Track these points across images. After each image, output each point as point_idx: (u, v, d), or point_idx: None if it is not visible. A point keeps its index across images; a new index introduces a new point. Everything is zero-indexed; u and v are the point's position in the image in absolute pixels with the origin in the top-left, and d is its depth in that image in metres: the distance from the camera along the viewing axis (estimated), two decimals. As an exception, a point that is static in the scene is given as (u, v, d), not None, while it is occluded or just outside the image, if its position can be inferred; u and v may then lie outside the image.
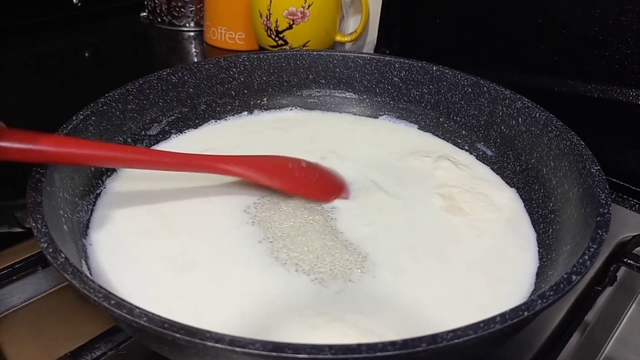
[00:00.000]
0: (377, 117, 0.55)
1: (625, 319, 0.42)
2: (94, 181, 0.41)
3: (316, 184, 0.43)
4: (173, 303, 0.32)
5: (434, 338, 0.22)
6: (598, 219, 0.30)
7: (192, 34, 0.90)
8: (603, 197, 0.32)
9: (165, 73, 0.48)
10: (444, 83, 0.50)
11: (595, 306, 0.40)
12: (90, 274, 0.34)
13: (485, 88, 0.47)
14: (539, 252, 0.38)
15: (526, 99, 0.44)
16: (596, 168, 0.35)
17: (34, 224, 0.29)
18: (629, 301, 0.43)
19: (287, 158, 0.44)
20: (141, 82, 0.46)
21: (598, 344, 0.40)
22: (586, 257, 0.27)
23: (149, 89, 0.47)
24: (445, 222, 0.41)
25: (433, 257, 0.37)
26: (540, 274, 0.36)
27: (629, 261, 0.40)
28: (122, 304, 0.23)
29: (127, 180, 0.43)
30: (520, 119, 0.44)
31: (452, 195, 0.43)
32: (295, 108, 0.55)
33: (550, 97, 0.55)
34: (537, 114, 0.42)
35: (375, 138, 0.52)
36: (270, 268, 0.35)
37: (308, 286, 0.34)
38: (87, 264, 0.34)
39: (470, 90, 0.48)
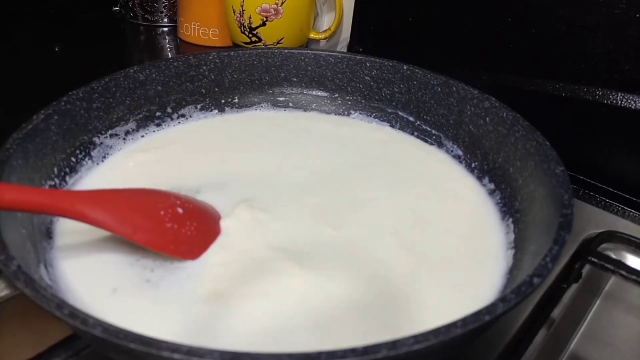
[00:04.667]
0: (349, 116, 0.54)
1: (590, 315, 0.42)
2: (56, 181, 0.40)
3: (190, 237, 0.35)
4: (136, 308, 0.32)
5: (394, 344, 0.22)
6: (561, 219, 0.30)
7: (165, 29, 0.88)
8: (566, 197, 0.32)
9: (132, 71, 0.47)
10: (414, 82, 0.50)
11: (561, 303, 0.41)
12: (50, 278, 0.33)
13: (454, 88, 0.47)
14: (505, 251, 0.38)
15: (494, 99, 0.44)
16: (560, 169, 0.35)
17: (-15, 230, 0.28)
18: (594, 297, 0.44)
19: (159, 196, 0.36)
20: (107, 79, 0.45)
21: (564, 339, 0.40)
22: (548, 258, 0.27)
23: (115, 86, 0.46)
24: (412, 219, 0.41)
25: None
26: (507, 273, 0.36)
27: (592, 259, 0.41)
28: (75, 313, 0.23)
29: (93, 180, 0.42)
30: (487, 118, 0.44)
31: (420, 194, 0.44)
32: (267, 106, 0.55)
33: (519, 96, 0.56)
34: (504, 113, 0.43)
35: (344, 136, 0.51)
36: None
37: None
38: (46, 268, 0.33)
39: (439, 89, 0.48)
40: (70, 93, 0.42)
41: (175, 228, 0.34)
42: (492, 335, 0.37)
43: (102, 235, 0.36)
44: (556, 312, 0.40)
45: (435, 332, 0.23)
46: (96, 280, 0.34)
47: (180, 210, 0.35)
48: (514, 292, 0.25)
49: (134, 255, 0.35)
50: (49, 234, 0.37)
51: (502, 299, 0.25)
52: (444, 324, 0.23)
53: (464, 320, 0.23)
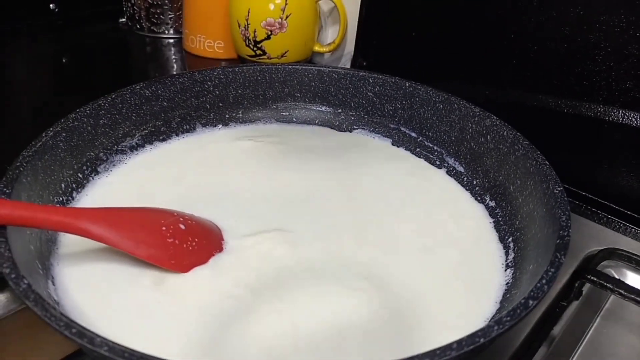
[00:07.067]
0: (352, 131, 0.55)
1: (590, 333, 0.43)
2: (63, 197, 0.41)
3: (192, 253, 0.36)
4: (140, 324, 0.32)
5: (391, 366, 0.23)
6: (558, 241, 0.31)
7: (171, 40, 0.89)
8: (564, 219, 0.33)
9: (138, 87, 0.48)
10: (417, 99, 0.51)
11: (561, 320, 0.41)
12: (56, 293, 0.34)
13: (455, 105, 0.48)
14: (505, 269, 0.39)
15: (495, 117, 0.45)
16: (559, 189, 0.36)
17: (-4, 248, 0.28)
18: (594, 315, 0.44)
19: (161, 214, 0.37)
20: (114, 96, 0.46)
21: (564, 357, 0.40)
22: (544, 281, 0.28)
23: (122, 103, 0.47)
24: (415, 235, 0.41)
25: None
26: (506, 292, 0.37)
27: (592, 278, 0.41)
28: (83, 332, 0.23)
29: (99, 196, 0.43)
30: (489, 136, 0.45)
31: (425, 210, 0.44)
32: (271, 121, 0.56)
33: (522, 112, 0.56)
34: (505, 132, 0.43)
35: (347, 152, 0.52)
36: None
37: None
38: (53, 283, 0.34)
39: (441, 106, 0.49)
40: (77, 110, 0.43)
41: (176, 243, 0.35)
42: (492, 353, 0.37)
43: (107, 249, 0.37)
44: (556, 330, 0.40)
45: (431, 354, 0.23)
46: (102, 293, 0.34)
47: (182, 226, 0.36)
48: (509, 314, 0.26)
49: (139, 268, 0.36)
50: (55, 247, 0.37)
51: (497, 321, 0.25)
52: (439, 346, 0.24)
53: (459, 343, 0.24)
